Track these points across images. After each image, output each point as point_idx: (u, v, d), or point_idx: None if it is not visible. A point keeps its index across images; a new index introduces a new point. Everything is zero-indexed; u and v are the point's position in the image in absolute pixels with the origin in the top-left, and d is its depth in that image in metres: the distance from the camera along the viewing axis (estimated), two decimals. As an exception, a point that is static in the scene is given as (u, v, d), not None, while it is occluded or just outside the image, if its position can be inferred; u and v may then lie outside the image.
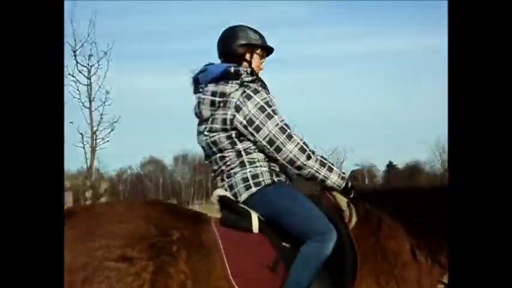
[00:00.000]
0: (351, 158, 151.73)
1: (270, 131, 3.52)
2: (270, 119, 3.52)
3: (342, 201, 3.68)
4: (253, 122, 3.51)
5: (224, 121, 3.55)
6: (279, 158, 3.57)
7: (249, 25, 3.84)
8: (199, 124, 3.73)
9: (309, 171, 3.61)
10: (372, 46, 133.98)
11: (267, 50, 3.89)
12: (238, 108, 3.52)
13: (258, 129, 3.52)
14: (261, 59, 3.84)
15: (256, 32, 3.81)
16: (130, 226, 3.19)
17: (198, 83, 3.76)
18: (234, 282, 3.26)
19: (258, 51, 3.81)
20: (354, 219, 3.63)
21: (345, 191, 3.73)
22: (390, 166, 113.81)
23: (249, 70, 3.67)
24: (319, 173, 3.62)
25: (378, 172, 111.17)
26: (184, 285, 3.16)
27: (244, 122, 3.52)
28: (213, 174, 3.79)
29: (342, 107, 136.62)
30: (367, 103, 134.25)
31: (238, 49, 3.73)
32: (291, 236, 3.47)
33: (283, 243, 3.47)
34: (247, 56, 3.77)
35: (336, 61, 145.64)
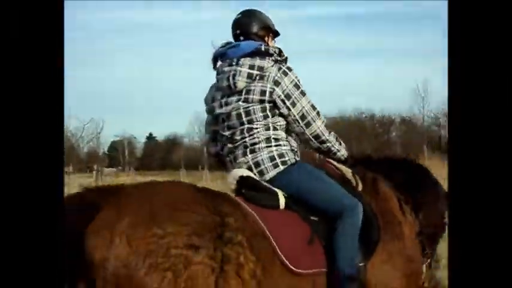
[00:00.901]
0: (111, 129, 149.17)
1: (304, 107, 3.76)
2: (303, 96, 3.78)
3: (347, 171, 4.00)
4: (290, 97, 3.73)
5: (263, 93, 3.69)
6: (306, 133, 3.82)
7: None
8: (229, 96, 3.78)
9: (327, 146, 3.93)
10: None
11: (275, 35, 4.12)
12: (276, 83, 3.71)
13: (293, 104, 3.73)
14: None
15: (268, 17, 4.09)
16: (194, 214, 3.12)
17: (224, 58, 3.89)
18: (290, 265, 3.33)
19: (271, 34, 4.04)
20: (360, 186, 3.95)
21: (345, 161, 4.09)
22: (150, 138, 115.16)
23: (277, 50, 3.89)
24: (334, 147, 3.97)
25: (138, 144, 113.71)
26: (254, 273, 3.18)
27: (282, 96, 3.71)
28: (229, 145, 3.81)
29: (105, 76, 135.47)
30: (127, 73, 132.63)
31: (259, 31, 3.94)
32: (317, 211, 3.63)
33: (311, 217, 3.61)
34: (266, 38, 3.98)
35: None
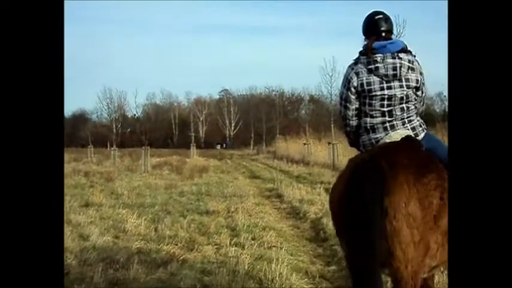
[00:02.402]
0: None
1: (425, 92, 5.00)
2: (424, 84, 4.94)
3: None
4: (424, 83, 4.90)
5: (417, 81, 4.79)
6: (421, 109, 5.05)
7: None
8: (391, 81, 4.70)
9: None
10: None
11: None
12: (421, 73, 4.84)
13: (423, 88, 4.91)
14: None
15: None
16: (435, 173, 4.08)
17: (384, 50, 4.72)
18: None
19: None
20: None
21: None
22: None
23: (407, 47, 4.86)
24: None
25: None
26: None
27: (422, 82, 4.84)
28: (387, 118, 4.73)
29: None
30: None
31: (392, 30, 4.98)
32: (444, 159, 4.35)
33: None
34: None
35: None
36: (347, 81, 4.81)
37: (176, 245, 9.03)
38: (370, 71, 4.69)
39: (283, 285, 6.56)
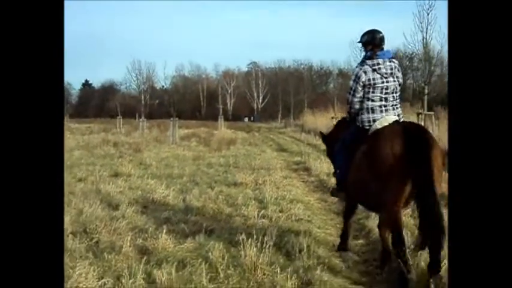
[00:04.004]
0: None
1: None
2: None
3: None
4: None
5: (401, 79, 6.88)
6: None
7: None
8: (387, 77, 6.70)
9: None
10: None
11: None
12: (402, 74, 6.95)
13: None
14: None
15: None
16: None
17: (381, 56, 6.76)
18: None
19: None
20: None
21: None
22: (86, 85, 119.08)
23: None
24: None
25: (73, 90, 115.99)
26: None
27: (401, 81, 6.90)
28: (384, 103, 6.71)
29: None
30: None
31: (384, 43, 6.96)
32: None
33: None
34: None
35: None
36: (357, 77, 6.74)
37: (204, 215, 9.09)
38: (374, 70, 6.69)
39: (311, 258, 6.57)
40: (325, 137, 8.35)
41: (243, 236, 6.76)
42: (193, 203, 10.40)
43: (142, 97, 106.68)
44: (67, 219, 7.92)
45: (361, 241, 7.73)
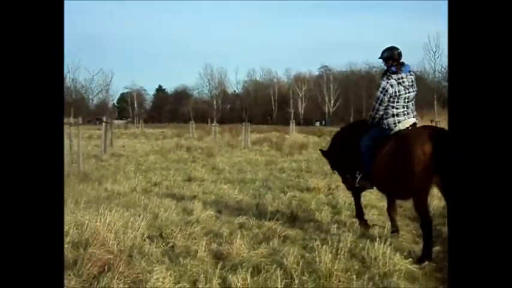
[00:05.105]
0: (120, 80, 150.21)
1: None
2: None
3: None
4: None
5: (416, 90, 8.25)
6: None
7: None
8: (408, 89, 8.09)
9: None
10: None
11: None
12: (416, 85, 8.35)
13: None
14: None
15: None
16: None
17: (402, 70, 8.12)
18: None
19: None
20: None
21: None
22: (159, 90, 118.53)
23: None
24: None
25: (147, 96, 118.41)
26: None
27: (416, 91, 8.34)
28: (405, 110, 8.14)
29: (114, 26, 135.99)
30: (138, 24, 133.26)
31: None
32: None
33: None
34: None
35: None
36: (385, 90, 8.03)
37: (278, 221, 9.07)
38: (399, 83, 8.03)
39: (387, 265, 6.47)
40: (325, 153, 9.86)
41: (318, 242, 6.71)
42: (267, 207, 10.41)
43: (215, 102, 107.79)
44: (143, 223, 8.06)
45: (438, 247, 7.55)
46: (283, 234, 8.16)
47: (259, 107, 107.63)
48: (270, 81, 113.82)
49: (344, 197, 11.43)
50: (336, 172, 9.76)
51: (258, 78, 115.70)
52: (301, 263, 6.34)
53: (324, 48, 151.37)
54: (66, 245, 6.76)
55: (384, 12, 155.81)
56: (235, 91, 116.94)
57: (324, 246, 6.46)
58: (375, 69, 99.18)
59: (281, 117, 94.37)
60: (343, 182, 9.46)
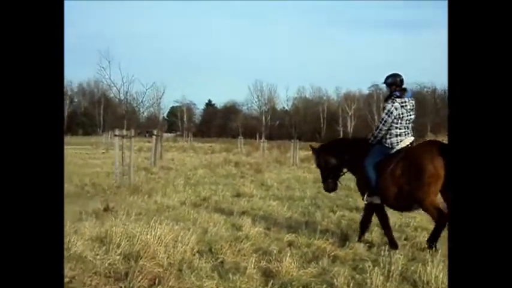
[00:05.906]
0: (170, 95, 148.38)
1: None
2: None
3: None
4: None
5: (414, 113, 9.02)
6: None
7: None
8: (409, 112, 8.95)
9: None
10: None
11: None
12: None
13: None
14: None
15: None
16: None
17: (405, 94, 8.98)
18: None
19: None
20: None
21: None
22: (209, 105, 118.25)
23: None
24: None
25: (197, 110, 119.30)
26: None
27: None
28: (407, 130, 9.03)
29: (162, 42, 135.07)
30: (190, 41, 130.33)
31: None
32: None
33: None
34: None
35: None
36: (389, 112, 8.84)
37: (327, 240, 9.00)
38: (402, 107, 8.86)
39: (439, 289, 6.34)
40: (315, 149, 10.48)
41: (369, 263, 6.62)
42: (316, 226, 10.34)
43: (263, 118, 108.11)
44: (193, 238, 8.08)
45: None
46: (332, 253, 8.09)
47: (308, 124, 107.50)
48: (319, 98, 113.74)
49: (394, 218, 11.26)
50: (319, 171, 10.29)
51: (307, 96, 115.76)
52: (351, 285, 6.26)
53: (373, 66, 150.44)
54: (117, 257, 6.83)
55: (436, 31, 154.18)
56: (284, 107, 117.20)
57: (376, 267, 6.36)
58: (426, 90, 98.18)
59: (330, 135, 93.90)
60: (322, 182, 10.13)
